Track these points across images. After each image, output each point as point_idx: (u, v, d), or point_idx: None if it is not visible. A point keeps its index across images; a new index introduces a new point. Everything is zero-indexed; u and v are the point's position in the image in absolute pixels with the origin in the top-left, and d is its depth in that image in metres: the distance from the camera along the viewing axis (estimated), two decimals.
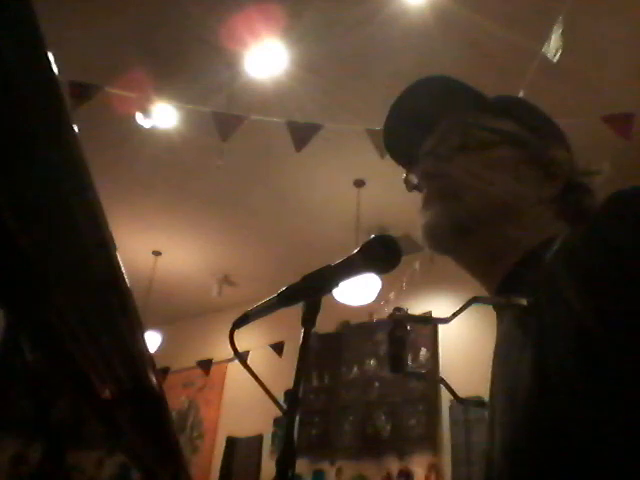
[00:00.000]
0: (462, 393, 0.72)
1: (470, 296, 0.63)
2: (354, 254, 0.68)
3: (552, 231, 0.65)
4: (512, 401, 0.56)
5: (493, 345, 0.69)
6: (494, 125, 0.72)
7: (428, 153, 0.74)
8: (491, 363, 0.67)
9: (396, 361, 0.69)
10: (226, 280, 5.38)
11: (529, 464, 0.51)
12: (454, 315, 0.64)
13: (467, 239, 0.68)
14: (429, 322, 0.69)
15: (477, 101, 0.74)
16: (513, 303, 0.60)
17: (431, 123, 0.75)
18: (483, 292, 0.73)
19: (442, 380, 0.73)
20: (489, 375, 0.66)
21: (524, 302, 0.58)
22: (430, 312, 4.11)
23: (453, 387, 0.72)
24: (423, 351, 4.20)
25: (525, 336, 0.57)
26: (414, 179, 0.76)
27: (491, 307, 0.70)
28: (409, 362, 0.71)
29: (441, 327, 4.25)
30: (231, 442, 4.94)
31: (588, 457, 0.45)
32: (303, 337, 0.62)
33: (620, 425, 0.44)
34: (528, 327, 0.57)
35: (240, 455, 4.86)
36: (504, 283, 0.66)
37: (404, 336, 0.69)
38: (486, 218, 0.67)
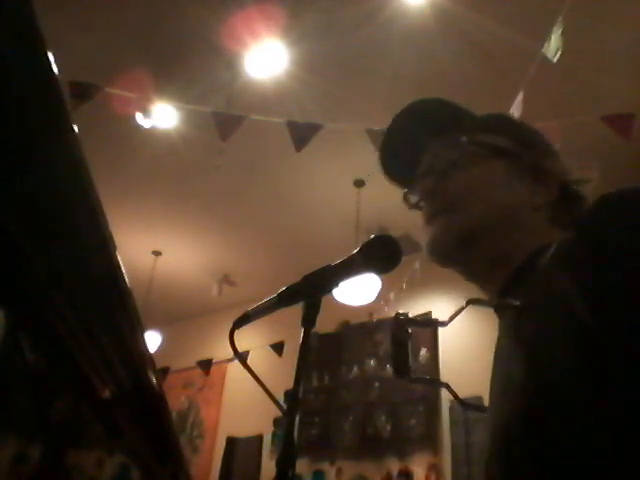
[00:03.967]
0: (462, 393, 0.72)
1: (470, 296, 0.64)
2: (354, 254, 0.68)
3: (549, 237, 0.67)
4: (505, 400, 0.58)
5: (493, 345, 0.70)
6: (484, 140, 0.75)
7: (425, 172, 0.77)
8: (492, 363, 0.68)
9: (400, 366, 0.70)
10: (226, 280, 5.38)
11: (522, 460, 0.52)
12: (452, 317, 0.65)
13: (472, 249, 0.70)
14: (428, 326, 0.70)
15: (467, 120, 0.78)
16: (507, 304, 0.62)
17: (425, 144, 0.79)
18: (483, 295, 0.74)
19: (447, 385, 0.73)
20: (490, 375, 0.67)
21: (517, 303, 0.60)
22: (430, 312, 4.11)
23: (453, 388, 0.72)
24: (423, 351, 4.20)
25: (520, 336, 0.59)
26: (413, 198, 0.79)
27: (491, 309, 0.71)
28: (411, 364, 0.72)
29: (441, 328, 4.24)
30: (231, 442, 4.94)
31: (583, 460, 0.46)
32: (303, 337, 0.62)
33: (615, 422, 0.44)
34: (522, 328, 0.58)
35: (240, 455, 4.86)
36: (505, 288, 0.68)
37: (406, 340, 0.70)
38: (488, 227, 0.69)
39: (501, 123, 0.79)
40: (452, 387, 0.72)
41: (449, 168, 0.74)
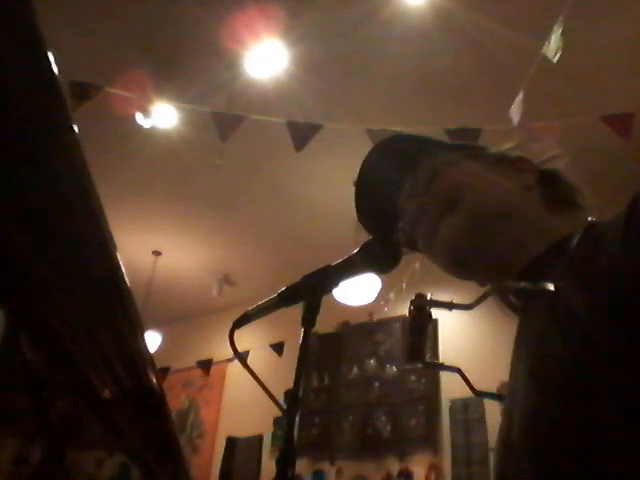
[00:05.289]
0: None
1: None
2: (354, 254, 0.68)
3: (556, 224, 0.66)
4: (537, 388, 0.55)
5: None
6: (453, 153, 0.77)
7: (407, 199, 0.76)
8: (512, 352, 0.66)
9: (414, 350, 0.68)
10: (226, 280, 5.38)
11: (552, 446, 0.50)
12: (478, 301, 0.63)
13: (484, 238, 0.68)
14: (451, 308, 0.67)
15: (432, 146, 0.79)
16: (539, 288, 0.59)
17: (398, 186, 0.79)
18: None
19: (459, 370, 0.72)
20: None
21: (551, 287, 0.57)
22: (430, 313, 4.10)
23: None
24: None
25: (551, 321, 0.57)
26: (404, 240, 0.77)
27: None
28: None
29: (441, 327, 4.24)
30: (231, 442, 4.94)
31: (606, 446, 0.45)
32: (303, 337, 0.62)
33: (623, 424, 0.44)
34: (554, 313, 0.56)
35: (240, 455, 4.86)
36: (523, 275, 0.66)
37: (425, 323, 0.68)
38: (490, 214, 0.68)
39: (462, 143, 0.83)
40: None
41: (428, 184, 0.74)
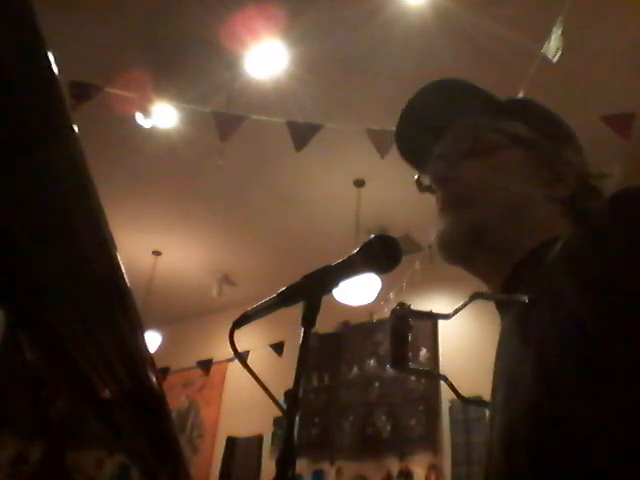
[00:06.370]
0: (462, 393, 0.72)
1: (468, 295, 0.63)
2: (354, 254, 0.68)
3: (556, 230, 0.65)
4: (511, 399, 0.56)
5: (493, 345, 0.69)
6: (504, 127, 0.72)
7: (440, 157, 0.75)
8: (494, 361, 0.67)
9: (398, 358, 0.69)
10: (226, 280, 5.38)
11: (525, 460, 0.50)
12: (456, 311, 0.64)
13: (480, 245, 0.68)
14: (431, 318, 0.69)
15: (488, 103, 0.75)
16: (514, 300, 0.60)
17: (442, 125, 0.76)
18: (487, 291, 0.72)
19: (445, 378, 0.72)
20: (491, 374, 0.66)
21: (525, 299, 0.58)
22: (430, 312, 4.10)
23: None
24: (423, 351, 4.20)
25: (526, 333, 0.57)
26: (425, 181, 0.77)
27: (492, 306, 0.71)
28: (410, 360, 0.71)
29: (441, 327, 4.24)
30: (231, 442, 4.94)
31: (584, 457, 0.45)
32: (303, 337, 0.62)
33: (616, 426, 0.44)
34: (529, 324, 0.57)
35: (240, 455, 4.86)
36: (507, 282, 0.67)
37: (406, 332, 0.69)
38: (498, 223, 0.68)
39: (525, 110, 0.77)
40: (451, 382, 0.71)
41: (463, 155, 0.72)
